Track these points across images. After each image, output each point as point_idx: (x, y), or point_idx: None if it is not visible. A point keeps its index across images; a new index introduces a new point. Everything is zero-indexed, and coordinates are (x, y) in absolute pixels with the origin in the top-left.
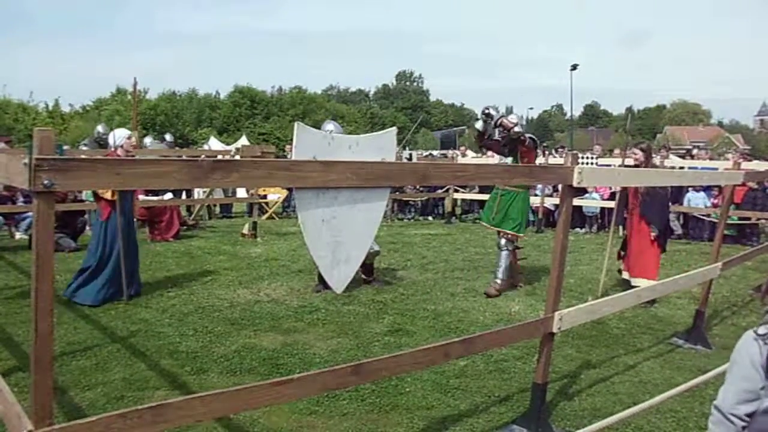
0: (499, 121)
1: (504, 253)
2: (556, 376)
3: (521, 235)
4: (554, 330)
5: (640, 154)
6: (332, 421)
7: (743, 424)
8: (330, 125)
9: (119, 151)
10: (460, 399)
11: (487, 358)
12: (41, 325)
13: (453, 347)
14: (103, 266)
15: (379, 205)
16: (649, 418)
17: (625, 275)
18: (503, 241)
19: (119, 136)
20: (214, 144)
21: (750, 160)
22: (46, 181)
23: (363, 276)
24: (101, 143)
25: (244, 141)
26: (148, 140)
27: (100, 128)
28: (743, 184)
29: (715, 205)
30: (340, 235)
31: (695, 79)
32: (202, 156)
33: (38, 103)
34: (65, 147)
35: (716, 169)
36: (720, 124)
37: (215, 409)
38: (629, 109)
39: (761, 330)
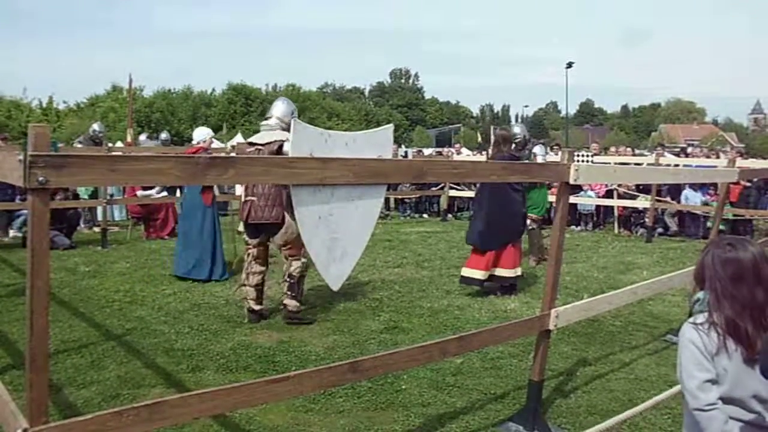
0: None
1: (532, 232)
2: (552, 373)
3: (541, 216)
4: (550, 327)
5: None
6: (328, 418)
7: (720, 405)
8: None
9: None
10: (456, 396)
11: (483, 355)
12: (36, 323)
13: (449, 345)
14: (211, 248)
15: (375, 201)
16: (644, 414)
17: None
18: (528, 221)
19: (206, 133)
20: None
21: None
22: (41, 178)
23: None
24: (96, 141)
25: (239, 139)
26: (143, 137)
27: (96, 126)
28: (737, 183)
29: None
30: (337, 232)
31: (691, 78)
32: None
33: (32, 99)
34: (60, 144)
35: (715, 166)
36: (714, 122)
37: (211, 406)
38: (486, 107)
39: (699, 319)
